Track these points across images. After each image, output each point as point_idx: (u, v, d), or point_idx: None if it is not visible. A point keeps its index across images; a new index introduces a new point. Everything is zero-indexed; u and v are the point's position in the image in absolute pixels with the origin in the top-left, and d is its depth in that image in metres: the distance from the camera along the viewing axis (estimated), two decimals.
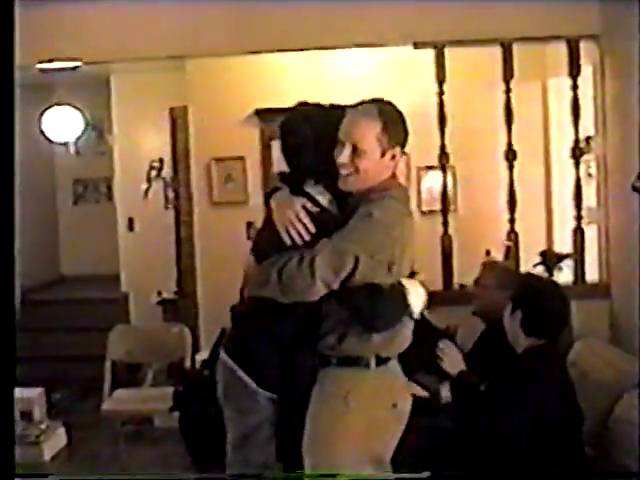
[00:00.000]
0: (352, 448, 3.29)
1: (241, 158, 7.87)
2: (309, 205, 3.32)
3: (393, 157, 3.36)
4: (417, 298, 3.35)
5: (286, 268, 3.20)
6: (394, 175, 3.43)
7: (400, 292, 3.28)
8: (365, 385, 3.33)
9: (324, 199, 3.36)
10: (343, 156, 3.30)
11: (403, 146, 3.40)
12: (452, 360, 4.22)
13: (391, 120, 3.36)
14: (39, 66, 6.36)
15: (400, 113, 3.40)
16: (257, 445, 3.49)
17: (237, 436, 3.53)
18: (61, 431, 6.69)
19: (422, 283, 3.42)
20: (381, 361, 3.35)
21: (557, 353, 4.25)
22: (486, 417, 3.96)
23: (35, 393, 6.63)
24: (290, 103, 3.65)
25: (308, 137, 3.39)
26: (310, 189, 3.38)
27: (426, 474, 3.92)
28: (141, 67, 8.37)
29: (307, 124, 3.42)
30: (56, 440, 6.57)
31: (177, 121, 9.32)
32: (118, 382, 6.88)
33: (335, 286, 3.20)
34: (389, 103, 3.41)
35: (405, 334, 3.41)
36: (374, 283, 3.21)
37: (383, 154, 3.33)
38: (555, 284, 4.66)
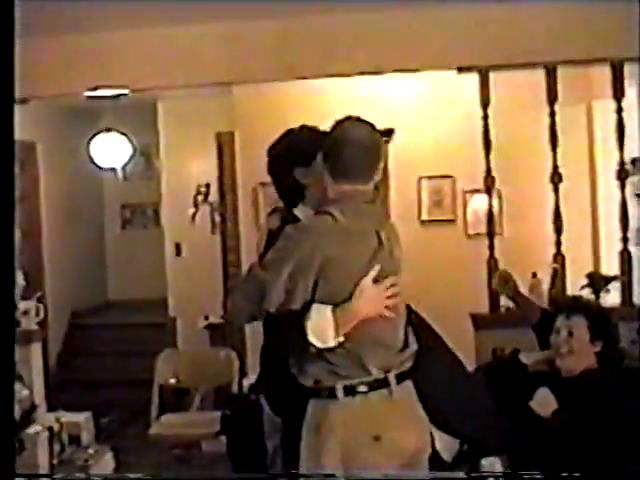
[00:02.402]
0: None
1: None
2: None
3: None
4: (315, 322, 3.13)
5: None
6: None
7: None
8: (334, 417, 3.19)
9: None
10: None
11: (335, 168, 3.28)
12: (543, 401, 4.17)
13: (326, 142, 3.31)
14: (87, 93, 6.46)
15: (335, 137, 3.29)
16: (278, 467, 3.55)
17: (268, 459, 3.62)
18: (109, 456, 6.73)
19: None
20: (353, 391, 3.20)
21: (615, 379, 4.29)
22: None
23: (83, 417, 6.68)
24: None
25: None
26: (298, 211, 3.42)
27: (460, 474, 3.88)
28: (188, 93, 8.46)
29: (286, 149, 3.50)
30: (104, 464, 6.61)
31: (223, 146, 9.42)
32: (166, 406, 6.93)
33: (237, 301, 3.24)
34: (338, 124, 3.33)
35: (348, 364, 3.20)
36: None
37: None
38: None
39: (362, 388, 3.20)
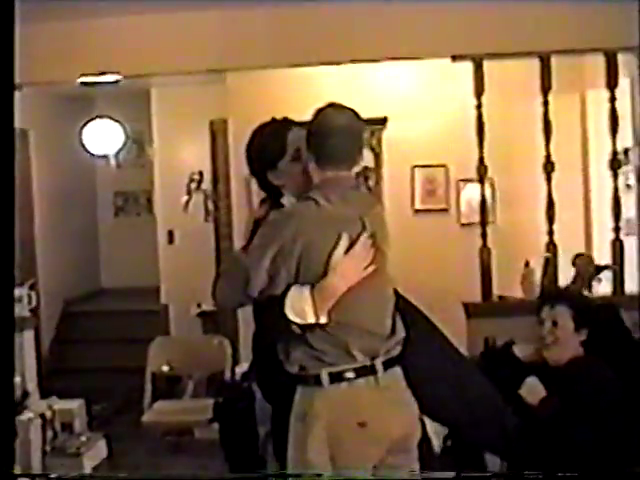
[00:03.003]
0: (321, 467, 3.19)
1: None
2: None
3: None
4: (294, 300, 3.17)
5: None
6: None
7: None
8: (320, 403, 3.21)
9: None
10: None
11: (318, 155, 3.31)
12: (531, 389, 4.18)
13: (308, 130, 3.35)
14: (80, 80, 6.44)
15: (318, 125, 3.31)
16: (269, 453, 3.58)
17: (260, 445, 3.64)
18: (102, 443, 6.73)
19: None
20: (339, 378, 3.21)
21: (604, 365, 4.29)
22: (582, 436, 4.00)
23: (75, 405, 6.68)
24: None
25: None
26: (285, 200, 3.45)
27: (451, 474, 3.89)
28: (181, 80, 8.44)
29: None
30: (96, 452, 6.60)
31: (217, 134, 9.41)
32: (158, 394, 6.93)
33: (222, 288, 3.29)
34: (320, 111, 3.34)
35: (332, 350, 3.21)
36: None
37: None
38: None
39: (349, 374, 3.21)
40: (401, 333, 3.38)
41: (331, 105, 3.35)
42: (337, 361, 3.22)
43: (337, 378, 3.22)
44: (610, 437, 4.01)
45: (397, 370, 3.33)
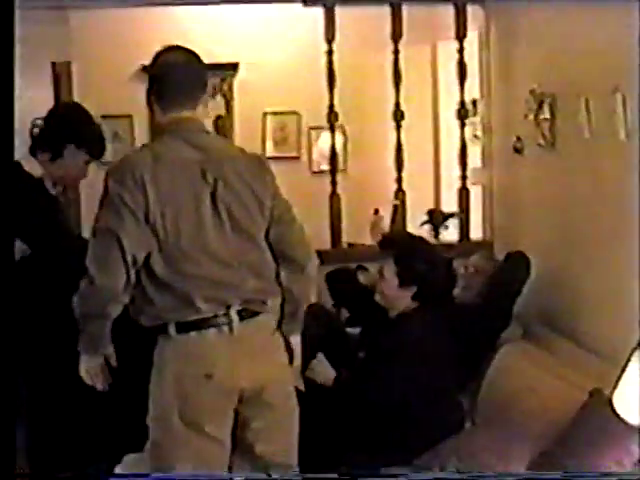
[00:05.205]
0: (167, 417, 3.19)
1: (129, 116, 7.69)
2: None
3: None
4: None
5: None
6: None
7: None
8: (167, 353, 3.21)
9: None
10: None
11: None
12: (322, 371, 4.12)
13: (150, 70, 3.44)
14: None
15: (156, 66, 3.34)
16: None
17: None
18: None
19: None
20: (187, 327, 3.17)
21: (434, 317, 4.22)
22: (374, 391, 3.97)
23: None
24: None
25: None
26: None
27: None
28: (20, 17, 8.08)
29: None
30: None
31: (61, 77, 9.09)
32: None
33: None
34: None
35: (174, 301, 3.17)
36: None
37: None
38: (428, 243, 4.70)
39: (197, 324, 3.18)
40: (271, 284, 3.35)
41: (170, 47, 3.33)
42: (181, 312, 3.17)
43: (184, 328, 3.17)
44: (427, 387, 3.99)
45: (261, 320, 3.30)
